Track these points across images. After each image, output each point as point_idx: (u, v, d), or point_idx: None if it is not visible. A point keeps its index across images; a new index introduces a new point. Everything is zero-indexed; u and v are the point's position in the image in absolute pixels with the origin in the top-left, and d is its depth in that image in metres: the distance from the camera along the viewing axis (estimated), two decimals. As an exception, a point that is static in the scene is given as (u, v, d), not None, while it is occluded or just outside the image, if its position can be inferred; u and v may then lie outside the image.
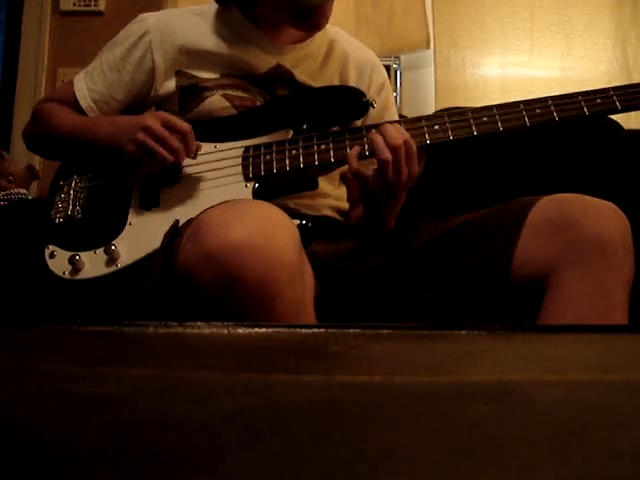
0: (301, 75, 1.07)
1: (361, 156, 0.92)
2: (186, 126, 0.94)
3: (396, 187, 0.89)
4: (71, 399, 0.32)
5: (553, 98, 0.92)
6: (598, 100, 0.90)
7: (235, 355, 0.45)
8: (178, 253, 0.75)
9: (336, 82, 1.11)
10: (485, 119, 0.91)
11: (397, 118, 1.16)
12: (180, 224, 0.85)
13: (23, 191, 1.79)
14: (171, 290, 0.77)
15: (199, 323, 0.51)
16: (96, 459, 0.24)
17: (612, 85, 0.93)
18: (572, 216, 0.82)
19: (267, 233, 0.71)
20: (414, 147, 0.88)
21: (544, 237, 0.83)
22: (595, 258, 0.79)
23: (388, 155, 0.86)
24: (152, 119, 0.95)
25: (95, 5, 2.15)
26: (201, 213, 0.77)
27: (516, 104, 0.92)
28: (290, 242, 0.74)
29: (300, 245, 0.76)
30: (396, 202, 0.95)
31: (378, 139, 0.88)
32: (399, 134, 0.88)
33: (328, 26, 1.09)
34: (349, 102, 1.01)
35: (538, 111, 0.91)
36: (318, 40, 1.09)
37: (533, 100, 0.92)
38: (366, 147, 0.92)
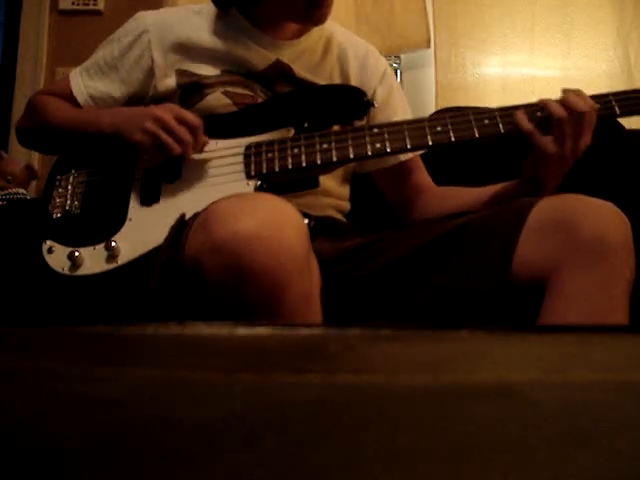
0: (300, 70, 1.07)
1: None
2: (197, 120, 0.95)
3: (573, 155, 0.90)
4: (71, 399, 0.32)
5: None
6: (597, 105, 0.90)
7: (235, 355, 0.45)
8: (186, 244, 0.74)
9: (336, 75, 1.11)
10: (486, 121, 0.91)
11: (405, 103, 1.17)
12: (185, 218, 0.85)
13: (22, 191, 1.79)
14: (177, 283, 0.76)
15: (199, 323, 0.51)
16: (96, 459, 0.24)
17: (613, 84, 0.93)
18: (572, 217, 0.82)
19: (276, 224, 0.71)
20: (594, 116, 0.88)
21: (544, 238, 0.83)
22: (595, 259, 0.79)
23: (564, 114, 0.87)
24: (162, 110, 0.95)
25: (94, 4, 2.16)
26: (209, 205, 0.76)
27: (516, 107, 0.92)
28: (299, 234, 0.73)
29: (308, 237, 0.76)
30: (564, 172, 0.94)
31: (561, 105, 0.88)
32: (584, 102, 0.88)
33: None
34: (350, 101, 1.00)
35: (539, 114, 0.91)
36: (315, 34, 1.09)
37: (533, 103, 0.92)
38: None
